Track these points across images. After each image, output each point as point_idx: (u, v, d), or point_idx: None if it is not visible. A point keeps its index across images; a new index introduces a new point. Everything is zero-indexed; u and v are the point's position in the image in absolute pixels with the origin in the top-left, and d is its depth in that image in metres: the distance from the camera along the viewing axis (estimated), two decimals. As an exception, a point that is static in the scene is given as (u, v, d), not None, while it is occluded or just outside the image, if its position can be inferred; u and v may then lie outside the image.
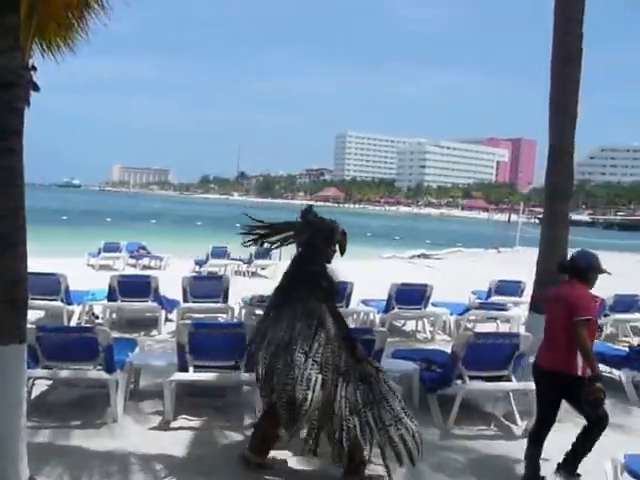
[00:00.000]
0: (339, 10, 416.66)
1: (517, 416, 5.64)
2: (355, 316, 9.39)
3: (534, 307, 6.11)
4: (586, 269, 4.46)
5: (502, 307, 9.69)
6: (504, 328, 9.44)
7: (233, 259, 16.20)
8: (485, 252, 28.67)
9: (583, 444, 4.36)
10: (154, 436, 5.04)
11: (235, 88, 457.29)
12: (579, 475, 4.39)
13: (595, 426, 4.32)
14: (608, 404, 6.38)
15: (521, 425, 5.53)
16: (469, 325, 9.77)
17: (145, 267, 16.70)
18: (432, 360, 6.16)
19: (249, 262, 16.20)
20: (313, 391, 3.99)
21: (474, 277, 14.37)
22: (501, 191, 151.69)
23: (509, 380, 5.62)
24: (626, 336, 9.78)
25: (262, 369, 4.22)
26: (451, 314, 9.46)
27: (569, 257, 4.73)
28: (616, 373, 6.76)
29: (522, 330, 7.30)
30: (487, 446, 5.17)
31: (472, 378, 5.50)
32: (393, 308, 9.09)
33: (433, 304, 9.51)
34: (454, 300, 10.23)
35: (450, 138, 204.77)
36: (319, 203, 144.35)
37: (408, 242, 32.72)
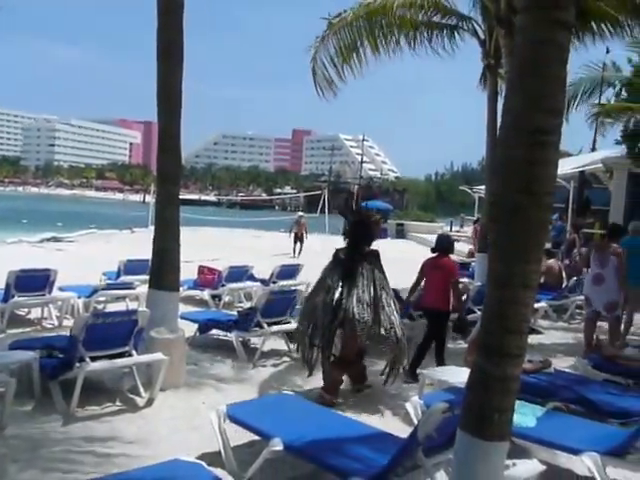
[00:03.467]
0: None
1: (141, 388, 5.93)
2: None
3: (154, 284, 6.47)
4: (449, 246, 7.32)
5: (129, 286, 9.94)
6: (134, 306, 9.70)
7: None
8: (120, 232, 28.60)
9: (420, 354, 6.95)
10: None
11: None
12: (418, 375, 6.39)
13: (431, 342, 6.97)
14: (225, 363, 7.27)
15: (145, 396, 5.85)
16: (99, 306, 9.76)
17: None
18: (53, 346, 6.03)
19: None
20: (403, 331, 6.01)
21: (108, 258, 14.23)
22: (136, 172, 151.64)
23: (131, 355, 5.89)
24: (240, 302, 11.08)
25: (358, 320, 5.76)
26: (79, 297, 9.29)
27: (435, 241, 7.38)
28: (229, 335, 7.67)
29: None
30: (113, 422, 5.33)
31: (95, 358, 5.58)
32: (13, 297, 8.49)
33: (60, 288, 9.18)
34: (86, 283, 10.06)
35: (82, 117, 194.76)
36: None
37: (37, 225, 30.35)
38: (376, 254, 6.24)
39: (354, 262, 6.08)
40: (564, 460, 4.66)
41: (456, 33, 11.11)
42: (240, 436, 4.70)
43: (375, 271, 6.07)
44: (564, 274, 12.53)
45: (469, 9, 11.06)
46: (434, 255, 7.19)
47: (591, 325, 8.38)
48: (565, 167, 25.09)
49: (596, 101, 19.08)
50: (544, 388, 5.40)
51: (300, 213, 23.55)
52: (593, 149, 29.23)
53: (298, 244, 21.06)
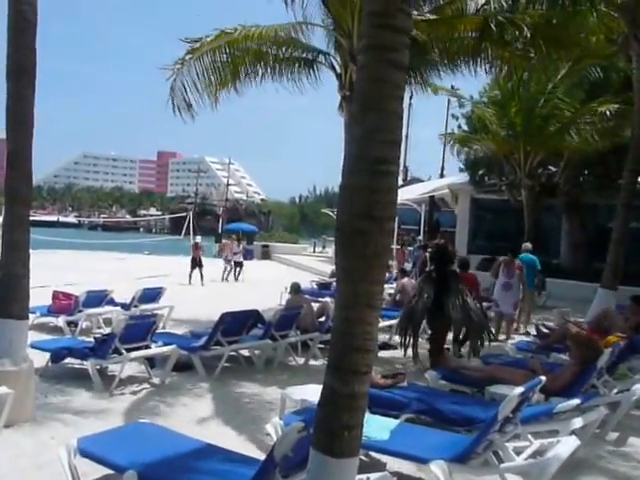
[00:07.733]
0: None
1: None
2: None
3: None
4: (468, 264, 10.33)
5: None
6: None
7: None
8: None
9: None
10: None
11: None
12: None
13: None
14: (80, 394, 6.86)
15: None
16: None
17: None
18: None
19: None
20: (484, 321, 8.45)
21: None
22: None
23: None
24: (99, 328, 10.56)
25: (458, 318, 8.01)
26: None
27: (458, 261, 10.14)
28: (85, 363, 7.27)
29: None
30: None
31: None
32: None
33: None
34: None
35: None
36: None
37: None
38: (457, 273, 8.81)
39: (446, 278, 8.24)
40: (415, 469, 4.92)
41: (314, 67, 11.56)
42: (95, 471, 4.47)
43: (460, 284, 8.26)
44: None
45: (326, 44, 11.59)
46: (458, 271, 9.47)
47: (498, 321, 11.17)
48: (417, 192, 26.93)
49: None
50: (398, 402, 5.67)
51: (198, 238, 22.70)
52: (442, 176, 31.57)
53: (196, 269, 20.19)
